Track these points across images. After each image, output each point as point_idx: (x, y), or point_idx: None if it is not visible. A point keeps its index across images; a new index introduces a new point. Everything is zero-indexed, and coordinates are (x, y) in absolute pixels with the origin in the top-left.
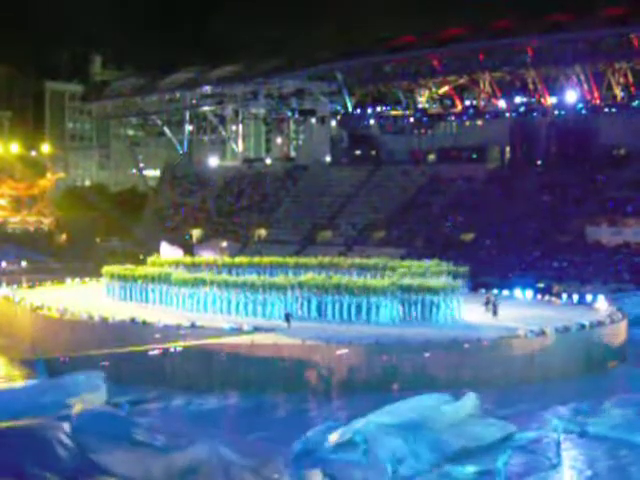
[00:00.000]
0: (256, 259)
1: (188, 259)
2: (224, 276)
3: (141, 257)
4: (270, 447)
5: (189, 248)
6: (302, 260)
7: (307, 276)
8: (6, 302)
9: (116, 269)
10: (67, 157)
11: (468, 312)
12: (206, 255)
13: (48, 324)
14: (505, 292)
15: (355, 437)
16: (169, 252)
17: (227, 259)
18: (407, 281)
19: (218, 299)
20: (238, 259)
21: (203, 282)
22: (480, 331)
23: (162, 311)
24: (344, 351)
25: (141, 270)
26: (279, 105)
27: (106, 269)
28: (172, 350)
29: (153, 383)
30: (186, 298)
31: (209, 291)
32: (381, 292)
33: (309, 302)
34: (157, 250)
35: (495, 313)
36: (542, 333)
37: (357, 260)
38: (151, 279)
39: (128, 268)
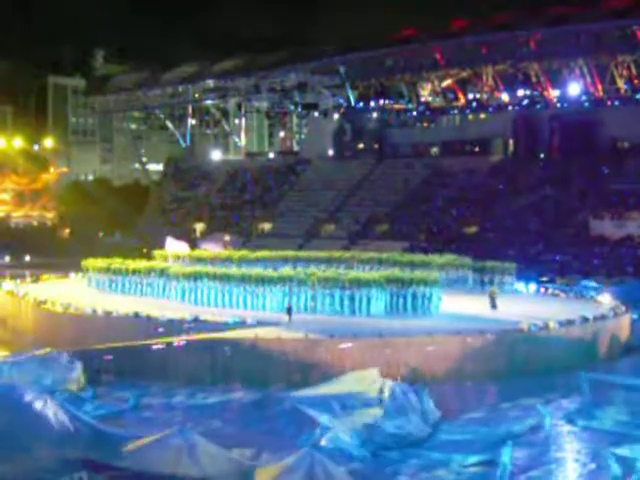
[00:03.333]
0: (259, 254)
1: (195, 253)
2: (220, 269)
3: (144, 251)
4: (274, 441)
5: (193, 242)
6: (318, 254)
7: (298, 270)
8: (10, 297)
9: (94, 263)
10: (70, 151)
11: (470, 306)
12: (210, 249)
13: (51, 318)
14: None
15: (353, 434)
16: (175, 246)
17: (238, 253)
18: (396, 273)
19: (215, 292)
20: (252, 254)
21: (200, 275)
22: (482, 323)
23: (163, 305)
24: (348, 345)
25: (133, 264)
26: (282, 99)
27: (88, 262)
28: (175, 344)
29: (156, 377)
30: (185, 292)
31: (206, 284)
32: (372, 284)
33: (299, 296)
34: (160, 244)
35: (494, 306)
36: (545, 326)
37: (383, 255)
38: (147, 273)
39: (107, 261)
